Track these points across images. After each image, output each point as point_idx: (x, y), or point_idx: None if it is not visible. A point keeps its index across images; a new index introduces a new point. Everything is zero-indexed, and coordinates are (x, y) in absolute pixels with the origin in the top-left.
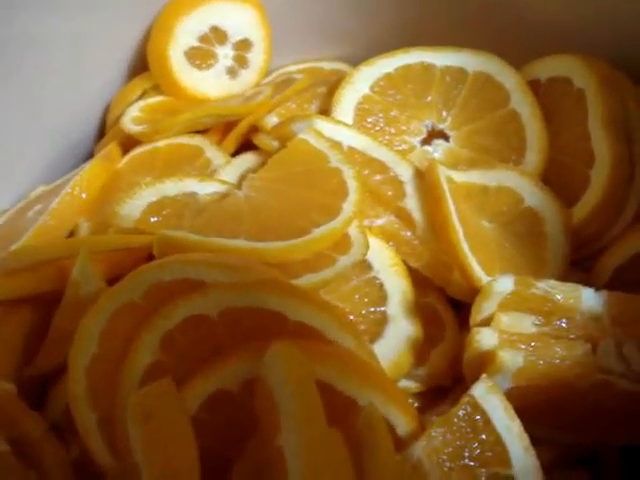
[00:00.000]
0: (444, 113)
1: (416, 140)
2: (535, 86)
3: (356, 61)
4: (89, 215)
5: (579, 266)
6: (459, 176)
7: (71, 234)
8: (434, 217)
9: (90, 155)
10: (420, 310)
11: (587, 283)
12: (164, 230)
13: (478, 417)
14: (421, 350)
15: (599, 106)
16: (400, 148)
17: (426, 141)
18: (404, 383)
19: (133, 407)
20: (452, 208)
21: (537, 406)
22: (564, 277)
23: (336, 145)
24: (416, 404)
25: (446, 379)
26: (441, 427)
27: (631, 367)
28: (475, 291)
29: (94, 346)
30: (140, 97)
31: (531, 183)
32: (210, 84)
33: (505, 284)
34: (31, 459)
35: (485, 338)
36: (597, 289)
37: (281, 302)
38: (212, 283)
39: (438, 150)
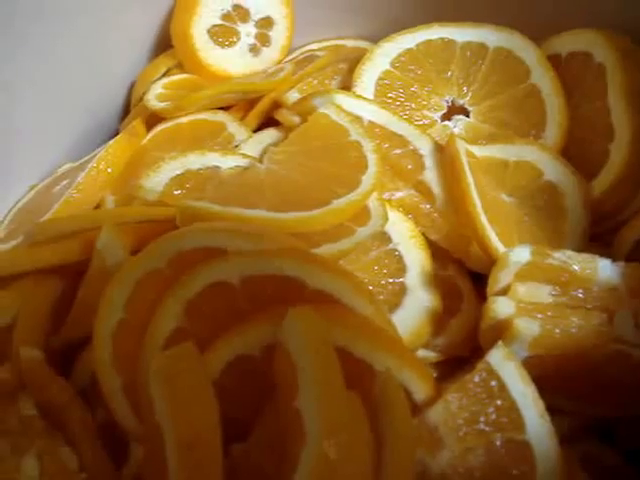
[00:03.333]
0: (465, 88)
1: (436, 115)
2: (555, 61)
3: (378, 39)
4: (114, 189)
5: (599, 240)
6: (479, 150)
7: (97, 208)
8: (453, 190)
9: (116, 133)
10: (439, 283)
11: (606, 257)
12: (186, 201)
13: (494, 383)
14: (440, 321)
15: (619, 80)
16: (420, 123)
17: (446, 116)
18: (423, 353)
19: (156, 369)
20: (471, 180)
21: (554, 376)
22: (583, 251)
23: (356, 119)
24: (434, 374)
25: (464, 349)
26: (457, 392)
27: None
28: (493, 263)
29: (120, 312)
30: (164, 75)
31: (551, 157)
32: (233, 62)
33: (522, 254)
34: (58, 423)
35: (502, 307)
36: (615, 261)
37: (300, 269)
38: (233, 251)
39: (458, 125)
